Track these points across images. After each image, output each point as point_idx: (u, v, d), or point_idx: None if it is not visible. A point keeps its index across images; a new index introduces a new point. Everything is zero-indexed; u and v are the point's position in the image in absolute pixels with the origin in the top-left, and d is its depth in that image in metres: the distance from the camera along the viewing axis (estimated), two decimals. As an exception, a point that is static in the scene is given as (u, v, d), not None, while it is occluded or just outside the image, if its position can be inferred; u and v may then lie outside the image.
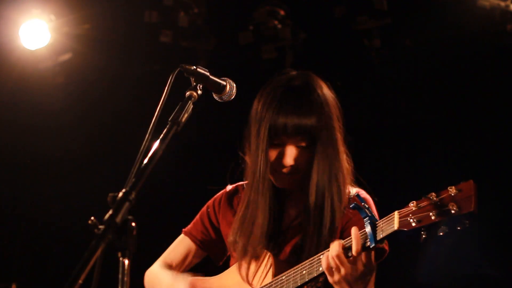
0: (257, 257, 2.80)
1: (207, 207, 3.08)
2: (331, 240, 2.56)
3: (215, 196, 3.09)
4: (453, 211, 2.21)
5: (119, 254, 1.90)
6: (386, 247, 2.67)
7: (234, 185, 3.07)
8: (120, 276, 1.90)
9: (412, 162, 5.62)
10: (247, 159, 2.89)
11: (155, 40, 5.70)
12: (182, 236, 3.11)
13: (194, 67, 2.41)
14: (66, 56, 5.92)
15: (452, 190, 2.27)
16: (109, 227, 1.87)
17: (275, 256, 2.80)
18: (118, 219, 1.89)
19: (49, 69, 5.95)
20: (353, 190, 2.85)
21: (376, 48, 5.49)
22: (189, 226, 3.11)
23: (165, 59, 5.84)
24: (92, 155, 6.15)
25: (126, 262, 1.90)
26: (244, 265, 2.83)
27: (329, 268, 2.47)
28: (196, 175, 5.77)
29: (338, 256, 2.44)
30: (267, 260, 2.78)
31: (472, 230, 5.41)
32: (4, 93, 6.00)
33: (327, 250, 2.52)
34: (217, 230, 3.03)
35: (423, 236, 2.29)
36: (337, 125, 2.88)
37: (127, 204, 1.93)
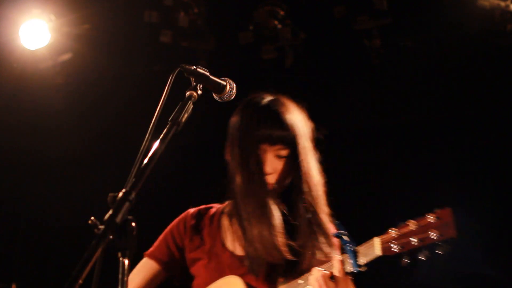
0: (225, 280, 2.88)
1: (171, 230, 3.14)
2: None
3: (178, 218, 3.16)
4: (435, 238, 2.36)
5: (119, 254, 1.90)
6: None
7: (196, 208, 3.16)
8: (120, 276, 1.90)
9: (412, 161, 5.63)
10: (232, 173, 2.96)
11: (155, 40, 5.70)
12: (145, 259, 3.15)
13: (194, 67, 2.40)
14: (66, 56, 5.92)
15: (431, 218, 2.42)
16: (109, 227, 1.87)
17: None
18: (118, 219, 1.89)
19: (49, 69, 5.95)
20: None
21: (376, 48, 5.48)
22: (151, 249, 3.16)
23: (165, 59, 5.84)
24: (92, 155, 6.16)
25: (126, 262, 1.90)
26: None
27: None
28: (196, 175, 5.77)
29: (323, 277, 2.57)
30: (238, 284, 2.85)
31: (472, 230, 5.42)
32: (4, 93, 6.00)
33: (308, 273, 2.65)
34: (181, 253, 3.09)
35: (406, 261, 2.42)
36: (310, 145, 3.02)
37: (127, 204, 1.93)
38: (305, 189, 2.90)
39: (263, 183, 2.88)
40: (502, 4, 5.14)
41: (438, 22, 5.32)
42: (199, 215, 3.13)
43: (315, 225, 2.85)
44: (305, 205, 2.87)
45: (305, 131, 3.00)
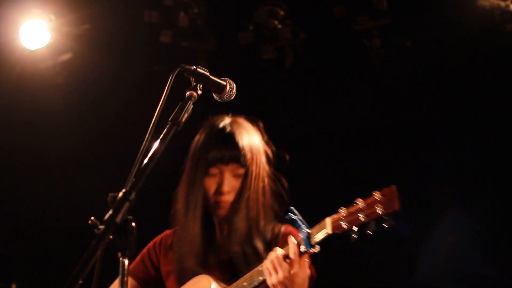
0: (195, 280, 3.03)
1: (148, 249, 3.30)
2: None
3: (155, 239, 3.32)
4: (379, 211, 2.51)
5: (119, 254, 1.90)
6: (314, 274, 3.01)
7: (173, 229, 3.29)
8: (120, 276, 1.90)
9: (412, 161, 5.62)
10: (180, 191, 3.16)
11: (155, 40, 5.69)
12: None
13: (194, 67, 2.41)
14: (66, 56, 5.91)
15: (377, 195, 2.56)
16: (109, 227, 1.87)
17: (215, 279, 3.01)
18: (118, 219, 1.89)
19: (49, 69, 5.95)
20: (282, 228, 3.11)
21: (376, 48, 5.48)
22: (130, 266, 3.20)
23: (165, 59, 5.84)
24: (92, 155, 6.15)
25: (126, 262, 1.90)
26: None
27: (269, 271, 2.72)
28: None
29: (277, 258, 2.70)
30: (206, 282, 2.99)
31: (472, 230, 5.42)
32: (4, 93, 6.00)
33: (265, 260, 2.77)
34: (157, 269, 3.25)
35: (354, 236, 2.57)
36: (264, 166, 3.13)
37: (127, 204, 1.93)
38: (251, 204, 3.04)
39: (199, 215, 3.08)
40: (502, 4, 5.13)
41: (438, 22, 5.32)
42: (175, 233, 3.27)
43: (255, 232, 3.03)
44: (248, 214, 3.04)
45: (259, 150, 3.11)
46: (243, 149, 3.05)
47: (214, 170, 3.06)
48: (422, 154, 5.61)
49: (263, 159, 3.13)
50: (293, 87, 5.92)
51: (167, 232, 3.30)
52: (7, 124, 6.00)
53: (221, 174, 3.05)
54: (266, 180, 3.11)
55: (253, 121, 3.24)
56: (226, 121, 3.16)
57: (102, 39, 5.79)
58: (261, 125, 3.26)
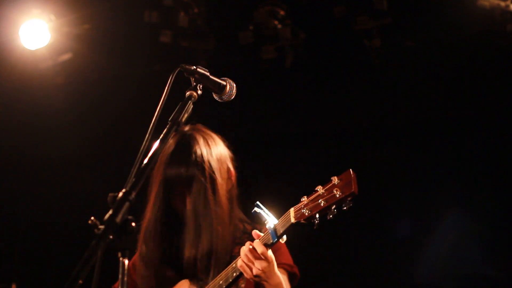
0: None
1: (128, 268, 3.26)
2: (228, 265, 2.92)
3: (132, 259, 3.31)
4: (337, 195, 2.57)
5: (119, 254, 1.89)
6: (297, 273, 3.13)
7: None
8: (120, 276, 1.90)
9: (412, 161, 5.62)
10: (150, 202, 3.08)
11: (155, 40, 5.69)
12: None
13: (194, 67, 2.41)
14: (66, 56, 5.92)
15: (335, 180, 2.62)
16: (109, 227, 1.87)
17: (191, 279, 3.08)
18: (118, 219, 1.89)
19: (49, 69, 5.95)
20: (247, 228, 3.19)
21: (376, 48, 5.48)
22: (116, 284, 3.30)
23: (165, 59, 5.84)
24: (92, 155, 6.15)
25: (126, 262, 1.90)
26: None
27: (243, 266, 2.79)
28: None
29: (250, 251, 2.76)
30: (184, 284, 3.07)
31: (472, 230, 5.41)
32: (4, 93, 6.00)
33: (238, 258, 2.83)
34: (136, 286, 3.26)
35: (316, 222, 2.63)
36: (218, 176, 3.12)
37: (127, 204, 1.93)
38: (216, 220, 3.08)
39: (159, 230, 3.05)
40: (502, 4, 5.14)
41: (438, 22, 5.32)
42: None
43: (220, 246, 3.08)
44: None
45: (213, 164, 3.10)
46: (195, 166, 3.06)
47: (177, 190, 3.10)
48: (422, 154, 5.61)
49: (221, 169, 3.14)
50: (293, 87, 5.92)
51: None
52: (7, 124, 6.00)
53: (181, 194, 3.09)
54: (226, 191, 3.14)
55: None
56: (181, 138, 3.17)
57: (102, 39, 5.79)
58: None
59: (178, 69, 2.37)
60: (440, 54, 5.48)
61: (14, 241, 6.36)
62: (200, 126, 3.22)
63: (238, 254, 2.85)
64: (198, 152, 3.08)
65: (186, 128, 3.19)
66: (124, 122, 5.92)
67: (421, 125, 5.70)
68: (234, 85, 2.53)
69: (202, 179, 3.05)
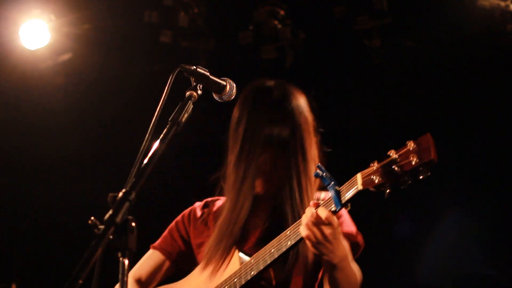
0: (227, 254, 2.89)
1: (176, 222, 3.17)
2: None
3: (184, 211, 3.18)
4: (413, 162, 2.31)
5: (119, 254, 1.89)
6: (361, 242, 2.91)
7: (203, 201, 3.18)
8: (120, 276, 1.90)
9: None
10: (229, 164, 2.97)
11: (155, 40, 5.70)
12: (151, 251, 3.18)
13: (194, 67, 2.41)
14: (66, 56, 5.92)
15: (411, 145, 2.36)
16: (109, 227, 1.87)
17: (242, 249, 2.89)
18: (118, 219, 1.88)
19: (49, 69, 5.95)
20: (322, 195, 2.93)
21: (376, 48, 5.48)
22: (157, 241, 3.18)
23: (165, 59, 5.84)
24: (92, 155, 6.15)
25: (126, 262, 1.90)
26: (212, 263, 2.90)
27: (307, 233, 2.51)
28: (196, 175, 5.76)
29: (312, 216, 2.50)
30: (235, 254, 2.87)
31: (472, 230, 5.41)
32: (5, 93, 6.00)
33: (293, 225, 2.62)
34: (187, 243, 3.12)
35: (387, 191, 2.36)
36: (307, 134, 3.01)
37: (127, 204, 1.93)
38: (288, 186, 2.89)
39: (250, 190, 2.88)
40: (502, 4, 5.14)
41: (438, 22, 5.32)
42: (205, 206, 3.16)
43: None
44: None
45: (306, 119, 3.06)
46: (286, 129, 2.90)
47: (267, 149, 2.88)
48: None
49: (310, 126, 3.05)
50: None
51: (196, 203, 3.18)
52: (7, 124, 6.00)
53: (267, 153, 2.88)
54: (313, 149, 2.98)
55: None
56: (271, 92, 3.03)
57: (102, 39, 5.80)
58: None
59: (178, 69, 2.37)
60: (440, 54, 5.48)
61: (14, 241, 6.36)
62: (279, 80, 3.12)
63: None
64: (292, 109, 3.00)
65: (273, 84, 3.08)
66: (124, 122, 5.92)
67: (421, 125, 5.70)
68: (234, 85, 2.53)
69: (294, 137, 2.91)
